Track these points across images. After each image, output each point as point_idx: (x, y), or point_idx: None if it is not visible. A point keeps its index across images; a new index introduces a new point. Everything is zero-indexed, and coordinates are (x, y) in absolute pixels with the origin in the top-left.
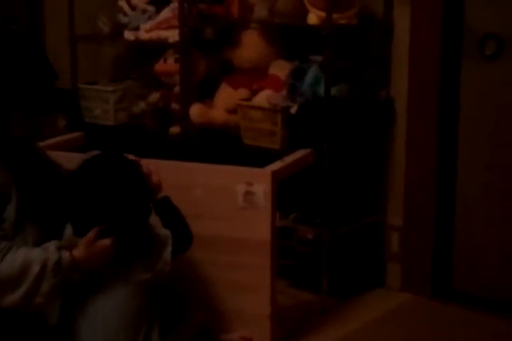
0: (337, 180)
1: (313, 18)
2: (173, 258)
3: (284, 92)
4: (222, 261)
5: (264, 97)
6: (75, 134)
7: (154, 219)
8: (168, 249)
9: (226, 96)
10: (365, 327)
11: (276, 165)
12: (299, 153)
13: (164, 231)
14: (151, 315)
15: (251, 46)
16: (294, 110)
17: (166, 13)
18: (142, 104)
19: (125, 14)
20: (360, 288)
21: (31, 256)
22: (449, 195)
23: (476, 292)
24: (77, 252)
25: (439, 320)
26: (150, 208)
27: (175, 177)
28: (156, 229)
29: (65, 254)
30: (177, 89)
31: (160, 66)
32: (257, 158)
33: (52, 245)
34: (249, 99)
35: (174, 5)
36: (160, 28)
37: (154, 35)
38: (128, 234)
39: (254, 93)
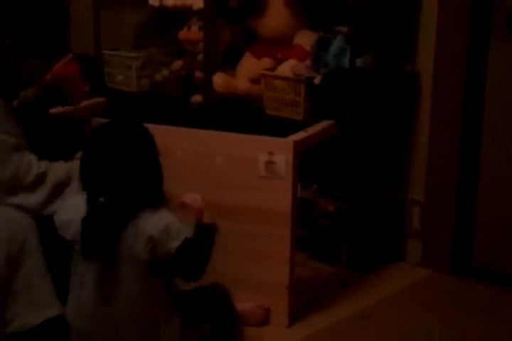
0: (359, 153)
1: None
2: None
3: (308, 63)
4: (241, 231)
5: (288, 67)
6: (98, 99)
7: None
8: (176, 241)
9: (250, 65)
10: (383, 301)
11: (299, 136)
12: (321, 125)
13: (182, 227)
14: (168, 295)
15: (276, 15)
16: (317, 81)
17: None
18: (165, 72)
19: None
20: (379, 262)
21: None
22: (472, 171)
23: (497, 269)
24: None
25: (458, 297)
26: (160, 173)
27: (196, 145)
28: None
29: None
30: (200, 57)
31: (184, 34)
32: (279, 128)
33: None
34: (272, 69)
35: None
36: None
37: (179, 1)
38: (137, 197)
39: (278, 63)
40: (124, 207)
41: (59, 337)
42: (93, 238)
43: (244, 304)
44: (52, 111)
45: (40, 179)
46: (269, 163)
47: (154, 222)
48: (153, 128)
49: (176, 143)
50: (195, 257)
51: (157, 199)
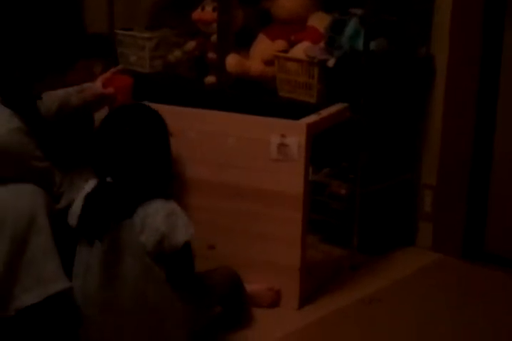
0: (372, 136)
1: None
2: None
3: (322, 45)
4: (253, 212)
5: (301, 49)
6: None
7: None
8: (185, 236)
9: (263, 47)
10: (393, 285)
11: (312, 118)
12: (335, 108)
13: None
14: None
15: None
16: (331, 63)
17: None
18: (178, 53)
19: None
20: (390, 245)
21: None
22: (485, 155)
23: (508, 254)
24: None
25: (468, 281)
26: (169, 158)
27: (209, 126)
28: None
29: None
30: (214, 38)
31: (197, 14)
32: (292, 110)
33: None
34: (286, 51)
35: None
36: None
37: None
38: (145, 180)
39: (291, 45)
40: (131, 190)
41: (66, 311)
42: (92, 215)
43: (255, 286)
44: None
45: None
46: (282, 146)
47: (164, 215)
48: (165, 108)
49: (188, 123)
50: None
51: (165, 182)
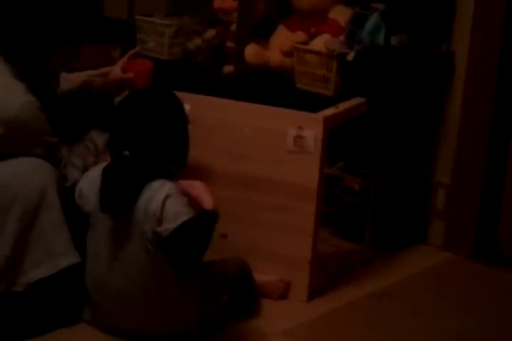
0: (388, 131)
1: None
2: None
3: (342, 38)
4: (266, 203)
5: (321, 42)
6: None
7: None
8: (172, 224)
9: (283, 38)
10: (403, 282)
11: (330, 111)
12: (352, 101)
13: (185, 210)
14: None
15: None
16: (350, 57)
17: None
18: (197, 41)
19: None
20: (401, 242)
21: None
22: (501, 156)
23: None
24: None
25: (478, 281)
26: (186, 138)
27: (225, 115)
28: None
29: None
30: (234, 27)
31: (218, 2)
32: (309, 103)
33: None
34: (305, 43)
35: None
36: None
37: None
38: (162, 159)
39: (311, 37)
40: (146, 166)
41: (75, 286)
42: (112, 188)
43: (266, 276)
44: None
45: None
46: (298, 138)
47: (159, 198)
48: (183, 96)
49: (205, 112)
50: (191, 243)
51: (179, 164)
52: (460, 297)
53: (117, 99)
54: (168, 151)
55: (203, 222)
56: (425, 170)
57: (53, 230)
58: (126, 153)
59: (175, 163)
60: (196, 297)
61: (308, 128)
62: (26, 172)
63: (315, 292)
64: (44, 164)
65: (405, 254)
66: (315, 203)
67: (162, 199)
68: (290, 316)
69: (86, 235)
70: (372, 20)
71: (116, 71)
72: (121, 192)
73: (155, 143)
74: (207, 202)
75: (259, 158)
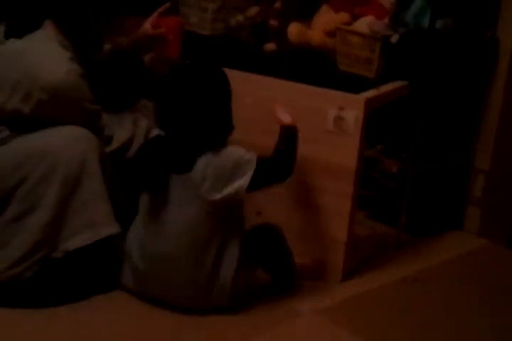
0: (429, 116)
1: None
2: (260, 185)
3: (386, 20)
4: (303, 182)
5: (364, 23)
6: None
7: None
8: (247, 176)
9: (326, 18)
10: (437, 267)
11: (371, 93)
12: (394, 84)
13: (248, 156)
14: (225, 235)
15: None
16: (394, 39)
17: None
18: (240, 17)
19: None
20: (437, 227)
21: None
22: None
23: None
24: None
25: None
26: (229, 116)
27: (265, 93)
28: (238, 151)
29: None
30: (278, 5)
31: None
32: (349, 84)
33: None
34: (349, 24)
35: None
36: None
37: None
38: (204, 135)
39: (354, 18)
40: (190, 144)
41: (113, 255)
42: (143, 166)
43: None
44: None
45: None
46: (338, 118)
47: (223, 161)
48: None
49: (245, 89)
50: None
51: (222, 140)
52: (493, 284)
53: (147, 56)
54: (212, 129)
55: (288, 136)
56: (465, 156)
57: (94, 199)
58: (162, 133)
59: (224, 131)
60: (232, 267)
61: (349, 108)
62: (68, 141)
63: (348, 273)
64: (86, 134)
65: (440, 240)
66: (353, 185)
67: (229, 160)
68: (323, 296)
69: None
70: (418, 3)
71: (146, 27)
72: (150, 172)
73: (199, 123)
74: (285, 119)
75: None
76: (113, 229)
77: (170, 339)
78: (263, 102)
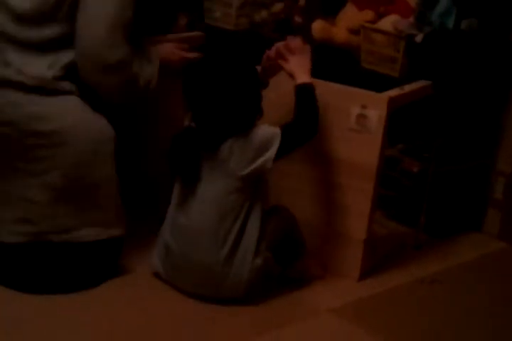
0: (452, 116)
1: None
2: (289, 150)
3: (411, 19)
4: (324, 180)
5: (389, 22)
6: (195, 33)
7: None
8: (273, 148)
9: (350, 15)
10: (456, 268)
11: (395, 92)
12: (418, 84)
13: (273, 130)
14: (249, 212)
15: None
16: (419, 39)
17: None
18: (264, 13)
19: None
20: (456, 229)
21: None
22: None
23: None
24: None
25: None
26: (258, 105)
27: (290, 89)
28: (263, 128)
29: None
30: (302, 2)
31: None
32: (372, 82)
33: None
34: (373, 22)
35: None
36: None
37: None
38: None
39: (379, 16)
40: (217, 128)
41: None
42: (178, 157)
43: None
44: None
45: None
46: (361, 116)
47: (250, 138)
48: None
49: (269, 84)
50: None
51: (250, 124)
52: (509, 288)
53: None
54: (239, 119)
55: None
56: (486, 158)
57: (105, 194)
58: (193, 124)
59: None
60: (250, 249)
61: (372, 107)
62: (84, 124)
63: (366, 272)
64: (104, 121)
65: (459, 241)
66: (373, 183)
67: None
68: (340, 294)
69: None
70: (443, 2)
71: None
72: (188, 161)
73: (226, 114)
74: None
75: (320, 134)
76: (119, 231)
77: (181, 328)
78: (286, 98)
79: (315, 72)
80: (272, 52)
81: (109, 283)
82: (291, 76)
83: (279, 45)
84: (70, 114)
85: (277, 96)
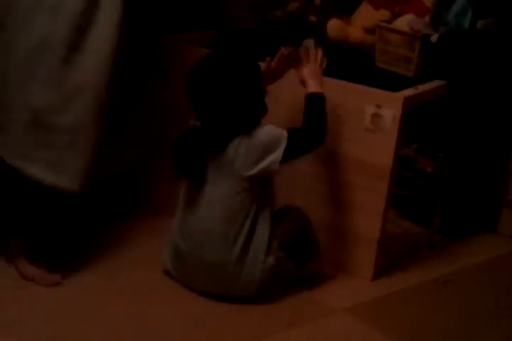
0: (467, 117)
1: None
2: (294, 156)
3: (426, 19)
4: (339, 179)
5: (404, 22)
6: (209, 32)
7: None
8: (279, 150)
9: (366, 15)
10: (468, 269)
11: (410, 92)
12: (433, 84)
13: (279, 132)
14: (258, 213)
15: None
16: (434, 38)
17: None
18: (279, 12)
19: None
20: (470, 229)
21: None
22: None
23: None
24: None
25: None
26: (262, 104)
27: (303, 88)
28: (269, 129)
29: None
30: (318, 1)
31: None
32: (387, 82)
33: None
34: (389, 22)
35: None
36: None
37: None
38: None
39: (395, 16)
40: (222, 128)
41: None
42: (184, 157)
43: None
44: None
45: None
46: (375, 116)
47: (256, 139)
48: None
49: (283, 84)
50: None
51: (255, 122)
52: None
53: None
54: (243, 118)
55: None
56: (501, 159)
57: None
58: (198, 124)
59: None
60: (262, 248)
61: (387, 107)
62: None
63: (380, 272)
64: None
65: (473, 242)
66: (387, 183)
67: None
68: (353, 294)
69: None
70: (459, 2)
71: None
72: (193, 160)
73: (229, 114)
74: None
75: (334, 134)
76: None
77: (191, 326)
78: (300, 98)
79: (330, 71)
80: (285, 51)
81: (117, 281)
82: (303, 83)
83: (299, 48)
84: None
85: (290, 96)
